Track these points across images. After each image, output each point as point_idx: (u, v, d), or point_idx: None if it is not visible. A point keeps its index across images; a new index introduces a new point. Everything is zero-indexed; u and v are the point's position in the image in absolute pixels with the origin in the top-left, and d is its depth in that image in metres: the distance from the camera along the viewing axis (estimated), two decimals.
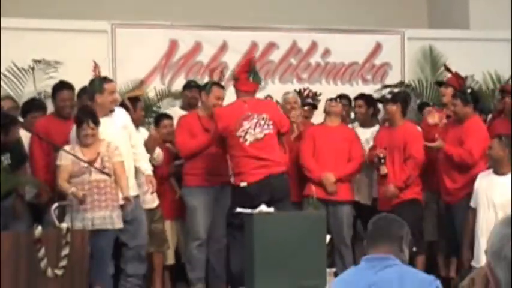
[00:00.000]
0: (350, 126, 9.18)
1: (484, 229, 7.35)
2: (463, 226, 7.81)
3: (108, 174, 7.31)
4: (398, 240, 3.97)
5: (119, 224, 7.33)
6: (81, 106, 7.84)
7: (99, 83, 7.62)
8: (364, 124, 9.16)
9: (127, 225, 7.71)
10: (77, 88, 8.46)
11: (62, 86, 8.38)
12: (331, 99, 8.72)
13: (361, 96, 9.42)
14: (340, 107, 8.72)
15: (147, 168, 7.81)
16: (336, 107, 8.64)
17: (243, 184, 7.42)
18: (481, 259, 7.09)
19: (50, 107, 8.57)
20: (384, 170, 8.24)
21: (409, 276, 3.87)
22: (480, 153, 8.00)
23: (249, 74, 7.69)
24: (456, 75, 9.17)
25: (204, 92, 8.33)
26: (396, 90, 8.66)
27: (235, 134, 7.47)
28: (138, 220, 7.80)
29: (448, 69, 9.31)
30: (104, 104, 7.60)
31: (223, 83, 8.78)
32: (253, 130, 7.50)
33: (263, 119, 7.53)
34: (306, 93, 9.52)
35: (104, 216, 7.24)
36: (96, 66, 7.72)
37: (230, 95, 8.22)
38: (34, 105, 8.51)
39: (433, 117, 8.25)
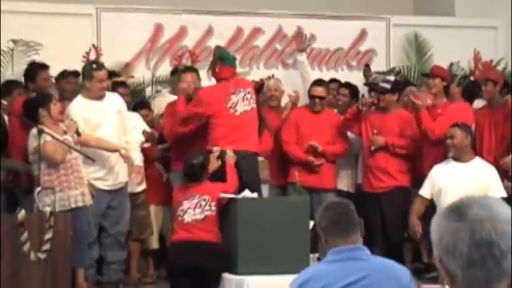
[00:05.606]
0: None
1: None
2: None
3: (91, 159, 7.34)
4: (359, 225, 3.82)
5: (90, 201, 7.40)
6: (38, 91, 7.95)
7: (89, 68, 7.80)
8: (342, 112, 9.08)
9: (111, 211, 7.78)
10: (57, 72, 8.52)
11: (42, 65, 8.33)
12: (315, 83, 8.73)
13: (346, 85, 9.38)
14: (324, 91, 8.70)
15: (136, 158, 7.91)
16: (319, 91, 8.64)
17: (216, 149, 7.53)
18: None
19: None
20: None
21: (387, 268, 3.78)
22: (442, 136, 8.05)
23: (218, 62, 7.83)
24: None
25: (177, 78, 8.54)
26: (392, 78, 8.68)
27: (225, 107, 7.62)
28: (122, 206, 7.88)
29: None
30: (92, 90, 7.75)
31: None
32: (242, 102, 7.69)
33: (249, 93, 7.78)
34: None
35: (83, 193, 7.31)
36: (93, 49, 8.04)
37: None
38: (14, 85, 8.29)
39: (424, 100, 8.33)
